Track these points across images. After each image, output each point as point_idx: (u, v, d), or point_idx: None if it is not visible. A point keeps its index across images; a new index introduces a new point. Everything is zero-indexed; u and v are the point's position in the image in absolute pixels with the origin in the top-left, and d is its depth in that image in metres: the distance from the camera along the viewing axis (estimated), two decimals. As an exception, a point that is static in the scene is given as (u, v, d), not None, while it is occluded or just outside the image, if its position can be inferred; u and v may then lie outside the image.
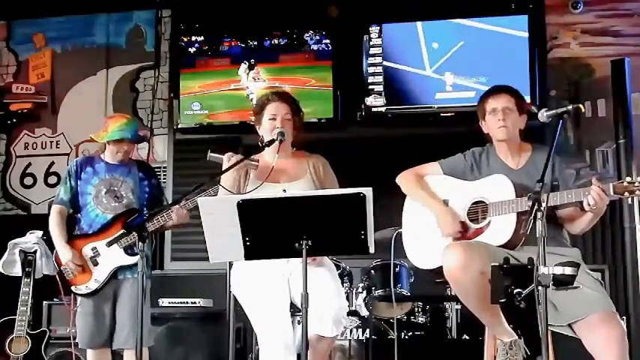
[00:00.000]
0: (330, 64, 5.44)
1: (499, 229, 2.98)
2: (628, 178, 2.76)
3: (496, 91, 3.19)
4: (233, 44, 5.62)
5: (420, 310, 4.49)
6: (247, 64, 5.57)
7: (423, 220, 3.24)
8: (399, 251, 3.66)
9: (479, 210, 3.09)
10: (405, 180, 3.32)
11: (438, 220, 3.16)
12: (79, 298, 3.88)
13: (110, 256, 3.83)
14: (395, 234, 3.65)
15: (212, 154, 3.24)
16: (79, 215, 3.96)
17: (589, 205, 2.76)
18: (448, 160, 3.28)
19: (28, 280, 4.49)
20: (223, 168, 3.15)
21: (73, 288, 3.85)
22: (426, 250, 3.20)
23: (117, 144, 3.95)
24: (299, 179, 3.28)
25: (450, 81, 5.28)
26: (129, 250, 3.81)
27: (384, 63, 5.35)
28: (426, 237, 3.21)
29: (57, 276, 3.87)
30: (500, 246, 2.93)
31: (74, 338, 3.97)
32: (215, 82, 5.62)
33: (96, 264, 3.84)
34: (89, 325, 3.83)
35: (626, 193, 2.74)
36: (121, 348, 3.86)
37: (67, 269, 3.83)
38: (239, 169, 3.20)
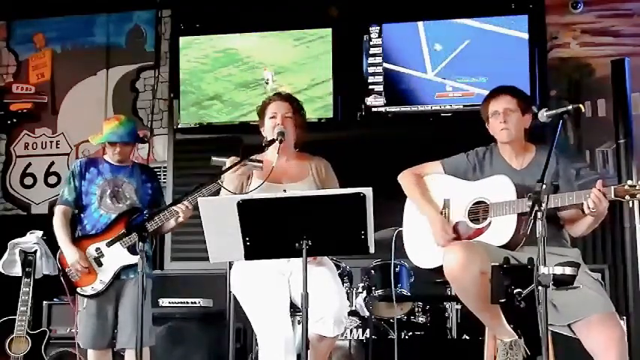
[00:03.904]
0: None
1: (500, 229, 2.98)
2: (630, 182, 2.75)
3: (496, 92, 3.17)
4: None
5: (420, 310, 4.49)
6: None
7: (423, 220, 3.23)
8: (399, 251, 3.66)
9: (480, 210, 3.08)
10: (404, 180, 3.33)
11: (432, 228, 3.16)
12: (81, 299, 3.87)
13: (114, 255, 3.83)
14: (395, 233, 3.65)
15: (215, 159, 3.24)
16: (81, 215, 3.95)
17: (589, 207, 2.75)
18: (450, 159, 3.27)
19: (28, 280, 4.49)
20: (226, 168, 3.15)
21: (78, 289, 3.83)
22: (426, 249, 3.20)
23: (111, 146, 3.96)
24: (301, 180, 3.29)
25: (450, 81, 5.27)
26: (132, 249, 3.80)
27: (385, 65, 5.35)
28: (426, 236, 3.21)
29: (61, 277, 3.85)
30: (500, 246, 2.93)
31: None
32: (215, 82, 5.62)
33: (100, 264, 3.84)
34: (92, 326, 3.82)
35: (627, 197, 2.72)
36: (123, 348, 3.86)
37: (72, 271, 3.82)
38: (243, 174, 3.20)
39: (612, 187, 2.74)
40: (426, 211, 3.21)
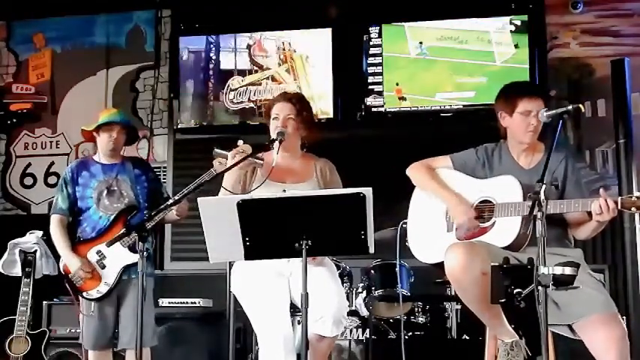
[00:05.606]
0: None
1: (504, 230, 2.97)
2: (637, 193, 2.75)
3: (533, 92, 3.11)
4: (233, 44, 5.62)
5: (420, 310, 4.49)
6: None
7: (429, 214, 3.22)
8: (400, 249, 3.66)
9: (485, 209, 3.07)
10: (415, 171, 3.30)
11: (450, 209, 3.13)
12: (87, 304, 3.83)
13: (115, 256, 3.81)
14: (400, 227, 3.63)
15: (217, 150, 3.24)
16: (80, 219, 3.93)
17: (597, 214, 2.76)
18: (460, 154, 3.25)
19: (28, 280, 4.49)
20: (228, 165, 3.15)
21: (84, 294, 3.81)
22: (430, 243, 3.18)
23: (107, 131, 3.93)
24: (305, 181, 3.29)
25: (450, 80, 5.27)
26: (133, 248, 3.77)
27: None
28: (431, 230, 3.20)
29: (66, 284, 3.83)
30: (504, 247, 2.92)
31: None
32: (215, 82, 5.62)
33: (103, 267, 3.82)
34: (94, 327, 3.82)
35: (634, 209, 2.73)
36: (125, 348, 3.85)
37: (75, 277, 3.80)
38: (244, 168, 3.20)
39: (619, 198, 2.75)
40: (442, 195, 3.16)
